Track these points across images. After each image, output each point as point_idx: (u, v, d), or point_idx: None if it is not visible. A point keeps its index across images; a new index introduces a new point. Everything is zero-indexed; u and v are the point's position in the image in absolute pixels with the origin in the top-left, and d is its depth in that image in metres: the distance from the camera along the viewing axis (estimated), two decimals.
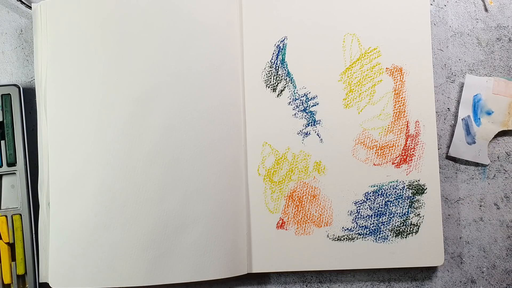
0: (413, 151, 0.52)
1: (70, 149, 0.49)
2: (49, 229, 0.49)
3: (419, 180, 0.51)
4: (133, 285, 0.48)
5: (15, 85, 0.51)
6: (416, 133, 0.52)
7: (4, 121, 0.50)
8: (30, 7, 0.52)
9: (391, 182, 0.51)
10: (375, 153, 0.52)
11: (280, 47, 0.52)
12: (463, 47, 0.54)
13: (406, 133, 0.52)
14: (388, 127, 0.52)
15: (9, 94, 0.51)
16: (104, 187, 0.48)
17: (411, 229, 0.51)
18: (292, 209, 0.51)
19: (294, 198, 0.52)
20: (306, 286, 0.53)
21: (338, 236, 0.51)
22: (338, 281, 0.53)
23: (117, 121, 0.49)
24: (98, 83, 0.49)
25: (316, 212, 0.51)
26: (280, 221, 0.51)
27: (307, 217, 0.51)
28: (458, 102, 0.54)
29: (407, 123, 0.52)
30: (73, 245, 0.48)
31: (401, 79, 0.52)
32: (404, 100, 0.52)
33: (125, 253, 0.48)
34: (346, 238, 0.51)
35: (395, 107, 0.52)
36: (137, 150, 0.49)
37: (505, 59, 0.54)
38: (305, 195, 0.52)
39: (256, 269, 0.51)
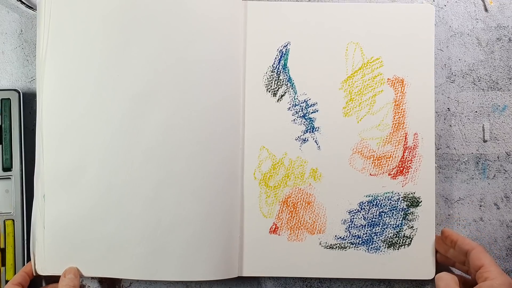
0: (410, 163, 0.52)
1: (68, 142, 0.49)
2: (44, 221, 0.49)
3: (414, 193, 0.51)
4: (126, 277, 0.49)
5: (15, 90, 0.51)
6: (414, 145, 0.52)
7: (3, 125, 0.50)
8: (30, 7, 0.52)
9: (386, 193, 0.51)
10: (372, 163, 0.52)
11: (282, 52, 0.52)
12: (463, 47, 0.54)
13: (404, 144, 0.52)
14: (387, 138, 0.52)
15: (9, 98, 0.51)
16: (100, 181, 0.49)
17: (404, 241, 0.51)
18: (286, 215, 0.51)
19: (288, 204, 0.52)
20: (306, 286, 0.53)
21: (331, 244, 0.51)
22: (338, 281, 0.53)
23: (115, 116, 0.49)
24: (98, 78, 0.49)
25: (309, 219, 0.51)
26: (274, 226, 0.51)
27: (300, 223, 0.51)
28: (458, 102, 0.53)
29: (406, 135, 0.52)
30: (67, 237, 0.49)
31: (402, 90, 0.52)
32: (404, 111, 0.52)
33: (119, 247, 0.49)
34: (338, 247, 0.51)
35: (394, 118, 0.52)
36: (135, 146, 0.49)
37: (505, 59, 0.54)
38: (300, 201, 0.52)
39: (246, 273, 0.51)
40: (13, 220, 0.50)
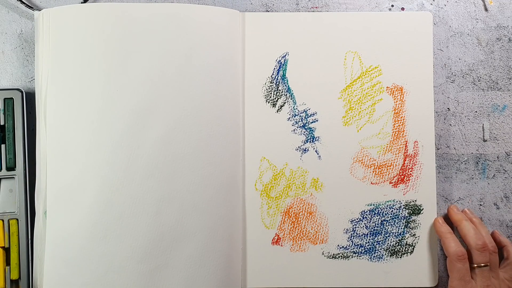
0: (411, 171, 0.52)
1: (68, 159, 0.49)
2: (45, 238, 0.49)
3: (415, 200, 0.51)
4: None
5: (18, 89, 0.51)
6: (415, 153, 0.52)
7: (6, 125, 0.50)
8: (30, 7, 0.52)
9: (388, 201, 0.52)
10: (373, 171, 0.52)
11: (281, 63, 0.52)
12: (463, 47, 0.54)
13: (405, 152, 0.52)
14: (387, 146, 0.52)
15: (12, 98, 0.51)
16: (101, 198, 0.48)
17: (406, 249, 0.51)
18: (288, 225, 0.51)
19: (290, 214, 0.52)
20: None
21: (333, 254, 0.51)
22: None
23: (116, 132, 0.49)
24: (98, 94, 0.49)
25: (312, 229, 0.51)
26: (276, 237, 0.51)
27: (302, 233, 0.51)
28: (458, 102, 0.54)
29: (406, 143, 0.52)
30: (68, 255, 0.48)
31: (401, 98, 0.52)
32: (403, 119, 0.52)
33: (119, 265, 0.48)
34: (341, 256, 0.51)
35: (394, 127, 0.52)
36: (135, 162, 0.49)
37: (505, 59, 0.54)
38: (302, 211, 0.52)
39: (250, 285, 0.51)
40: (17, 220, 0.50)
